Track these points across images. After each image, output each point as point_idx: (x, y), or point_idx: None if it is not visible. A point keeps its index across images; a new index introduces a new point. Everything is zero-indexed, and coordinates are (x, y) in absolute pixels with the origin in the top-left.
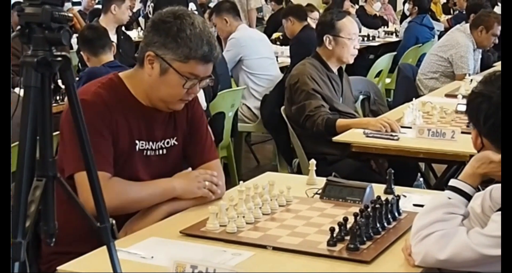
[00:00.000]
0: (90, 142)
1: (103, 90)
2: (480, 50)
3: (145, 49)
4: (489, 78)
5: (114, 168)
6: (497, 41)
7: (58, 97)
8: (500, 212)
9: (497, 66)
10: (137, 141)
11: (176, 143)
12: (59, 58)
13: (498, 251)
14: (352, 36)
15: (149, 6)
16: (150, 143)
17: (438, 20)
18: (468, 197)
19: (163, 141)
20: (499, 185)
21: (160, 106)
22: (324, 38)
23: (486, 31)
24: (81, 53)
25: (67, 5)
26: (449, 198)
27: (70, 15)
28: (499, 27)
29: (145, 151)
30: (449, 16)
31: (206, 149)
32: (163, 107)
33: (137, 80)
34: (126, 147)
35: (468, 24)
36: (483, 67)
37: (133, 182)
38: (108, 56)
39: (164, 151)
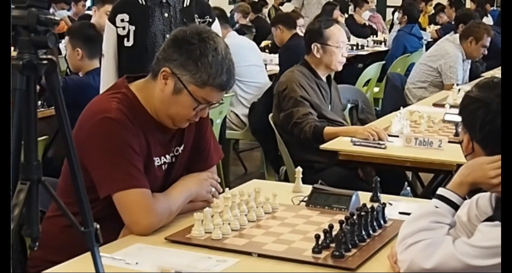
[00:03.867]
0: (126, 158)
1: (123, 106)
2: (469, 61)
3: (162, 63)
4: (486, 84)
5: None
6: (486, 52)
7: (43, 103)
8: (487, 223)
9: (485, 76)
10: (155, 158)
11: (183, 150)
12: (45, 61)
13: (484, 262)
14: (340, 44)
15: None
16: (163, 157)
17: (424, 30)
18: (456, 207)
19: (173, 150)
20: (486, 193)
21: (166, 122)
22: (312, 46)
23: (476, 42)
24: (76, 49)
25: (62, 13)
26: (436, 207)
27: (57, 18)
28: (489, 39)
29: (161, 166)
30: (437, 27)
31: (208, 156)
32: (169, 123)
33: (148, 92)
34: (145, 164)
35: (457, 35)
36: (472, 77)
37: (165, 194)
38: (98, 62)
39: (174, 159)
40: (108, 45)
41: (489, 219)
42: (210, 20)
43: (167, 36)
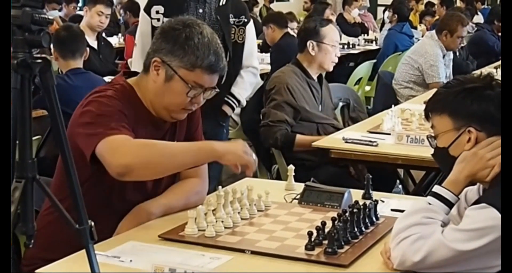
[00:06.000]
0: (111, 119)
1: (117, 96)
2: (451, 55)
3: (152, 55)
4: (450, 83)
5: (119, 185)
6: (464, 42)
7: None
8: (473, 206)
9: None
10: None
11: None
12: (39, 60)
13: (472, 244)
14: (335, 43)
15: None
16: None
17: (415, 28)
18: (450, 205)
19: None
20: (474, 187)
21: (163, 115)
22: (308, 43)
23: (451, 34)
24: (52, 50)
25: (53, 13)
26: (430, 204)
27: (51, 17)
28: (464, 28)
29: None
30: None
31: None
32: (166, 116)
33: (143, 87)
34: None
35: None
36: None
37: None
38: (77, 62)
39: None
40: (140, 35)
41: (474, 203)
42: (246, 20)
43: None
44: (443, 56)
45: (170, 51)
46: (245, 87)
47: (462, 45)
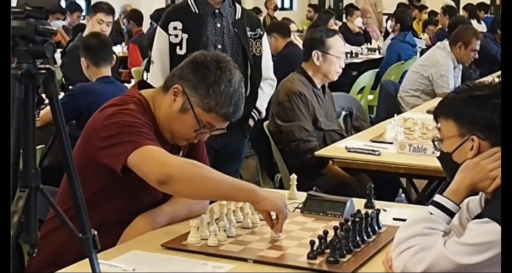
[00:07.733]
0: (141, 130)
1: (140, 110)
2: (461, 67)
3: (176, 80)
4: (459, 88)
5: (131, 196)
6: (477, 56)
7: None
8: (475, 220)
9: None
10: None
11: (181, 156)
12: (43, 71)
13: (474, 259)
14: (340, 55)
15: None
16: None
17: (418, 37)
18: (451, 214)
19: None
20: (476, 197)
21: (166, 136)
22: (313, 53)
23: (465, 47)
24: (81, 59)
25: (57, 23)
26: (431, 213)
27: (54, 28)
28: (478, 42)
29: None
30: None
31: (201, 161)
32: (168, 138)
33: (157, 103)
34: None
35: (447, 41)
36: None
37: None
38: (107, 69)
39: None
40: (158, 53)
41: (477, 217)
42: (261, 32)
43: (219, 46)
44: (454, 68)
45: (194, 86)
46: (264, 98)
47: (475, 57)
